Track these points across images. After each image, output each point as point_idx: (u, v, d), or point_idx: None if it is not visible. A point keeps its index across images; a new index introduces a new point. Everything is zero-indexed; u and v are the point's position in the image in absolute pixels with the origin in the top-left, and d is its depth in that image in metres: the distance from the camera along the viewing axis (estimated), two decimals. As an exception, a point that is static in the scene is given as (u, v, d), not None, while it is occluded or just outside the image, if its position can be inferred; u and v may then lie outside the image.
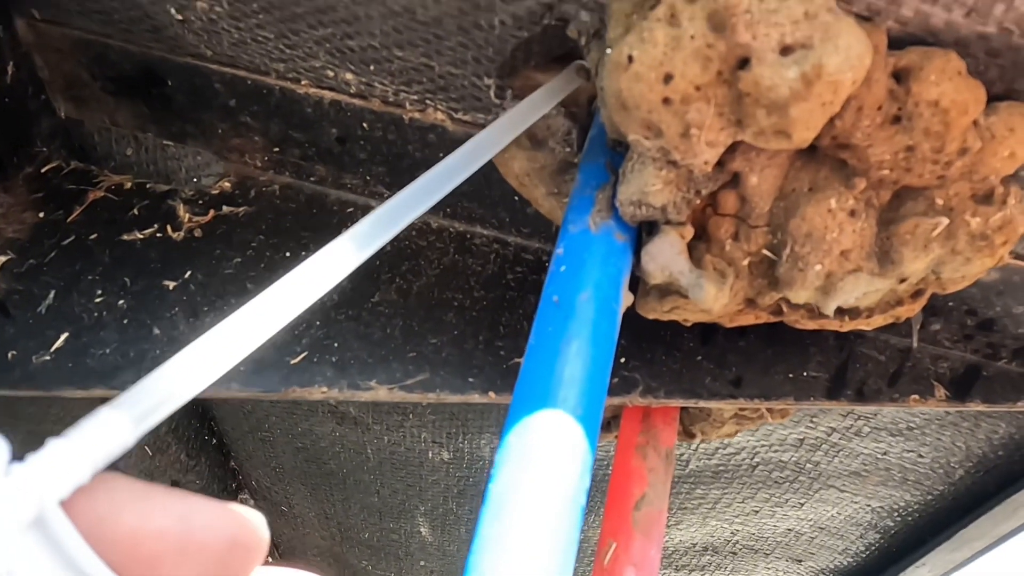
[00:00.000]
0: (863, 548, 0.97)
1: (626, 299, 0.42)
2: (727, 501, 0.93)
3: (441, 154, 0.57)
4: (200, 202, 0.62)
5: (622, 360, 0.56)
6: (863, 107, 0.38)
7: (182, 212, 0.61)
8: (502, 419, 0.78)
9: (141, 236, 0.59)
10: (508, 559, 0.31)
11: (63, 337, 0.53)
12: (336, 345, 0.55)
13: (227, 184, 0.63)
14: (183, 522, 0.20)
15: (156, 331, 0.54)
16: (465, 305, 0.58)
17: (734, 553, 1.06)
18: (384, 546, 1.29)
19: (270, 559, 1.54)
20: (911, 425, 0.74)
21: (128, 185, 0.63)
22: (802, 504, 0.91)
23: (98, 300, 0.55)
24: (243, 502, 1.38)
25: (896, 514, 0.89)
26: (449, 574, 1.29)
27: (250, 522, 0.22)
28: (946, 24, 0.37)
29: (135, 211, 0.61)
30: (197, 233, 0.60)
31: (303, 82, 0.55)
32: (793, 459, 0.83)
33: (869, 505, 0.88)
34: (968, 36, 0.38)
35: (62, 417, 0.82)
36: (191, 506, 0.20)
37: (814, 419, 0.76)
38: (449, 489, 1.04)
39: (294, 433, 1.02)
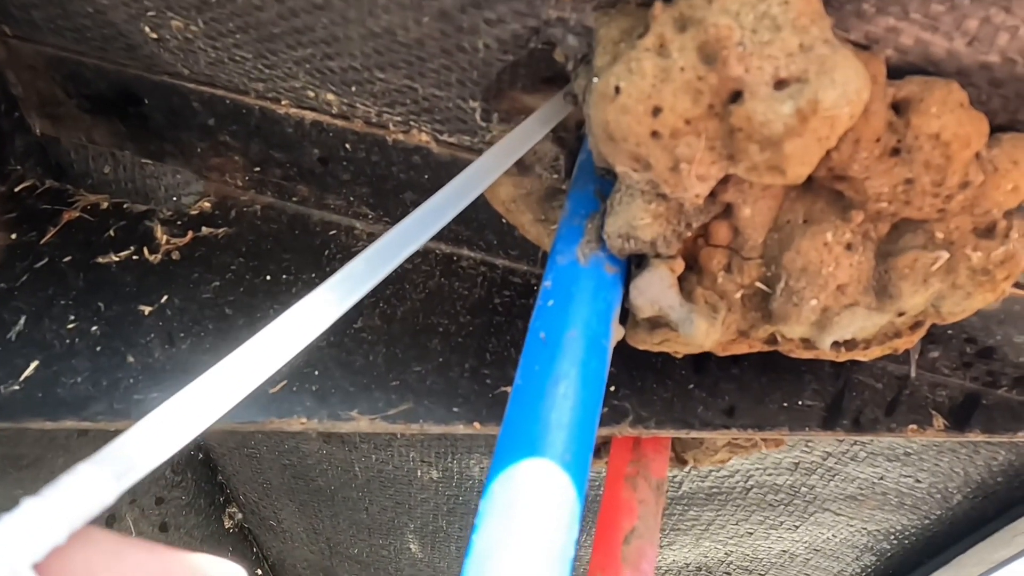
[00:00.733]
0: (859, 571, 0.96)
1: (616, 334, 0.40)
2: (721, 523, 0.92)
3: (426, 175, 0.55)
4: (178, 223, 0.60)
5: (612, 388, 0.55)
6: (861, 139, 0.36)
7: (159, 234, 0.59)
8: (491, 441, 0.76)
9: (117, 259, 0.57)
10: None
11: (33, 365, 0.51)
12: (317, 373, 0.53)
13: (207, 204, 0.61)
14: None
15: (130, 359, 0.53)
16: (451, 331, 0.56)
17: (728, 574, 1.04)
18: (374, 562, 1.27)
19: (258, 571, 1.52)
20: (908, 451, 0.72)
21: (104, 205, 0.61)
22: (797, 527, 0.89)
23: (71, 326, 0.53)
24: (232, 516, 1.36)
25: (892, 537, 0.87)
26: (440, 590, 1.28)
27: (230, 574, 0.21)
28: (947, 53, 0.36)
29: (111, 232, 0.59)
30: (175, 256, 0.58)
31: (283, 102, 0.53)
32: (788, 482, 0.81)
33: (865, 528, 0.87)
34: (970, 66, 0.36)
35: (39, 439, 0.80)
36: (166, 564, 0.20)
37: (809, 443, 0.75)
38: (439, 507, 1.03)
39: (281, 450, 1.01)
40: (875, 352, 0.48)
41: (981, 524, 0.77)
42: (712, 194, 0.39)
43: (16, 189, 0.60)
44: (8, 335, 0.53)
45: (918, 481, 0.76)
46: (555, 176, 0.47)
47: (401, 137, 0.53)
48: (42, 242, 0.58)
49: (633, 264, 0.42)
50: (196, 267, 0.58)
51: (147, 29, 0.50)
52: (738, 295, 0.43)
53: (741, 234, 0.41)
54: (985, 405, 0.57)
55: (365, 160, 0.55)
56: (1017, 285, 0.50)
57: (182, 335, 0.54)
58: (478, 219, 0.58)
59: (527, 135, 0.41)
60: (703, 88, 0.33)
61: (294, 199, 0.61)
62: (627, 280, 0.42)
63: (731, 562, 1.01)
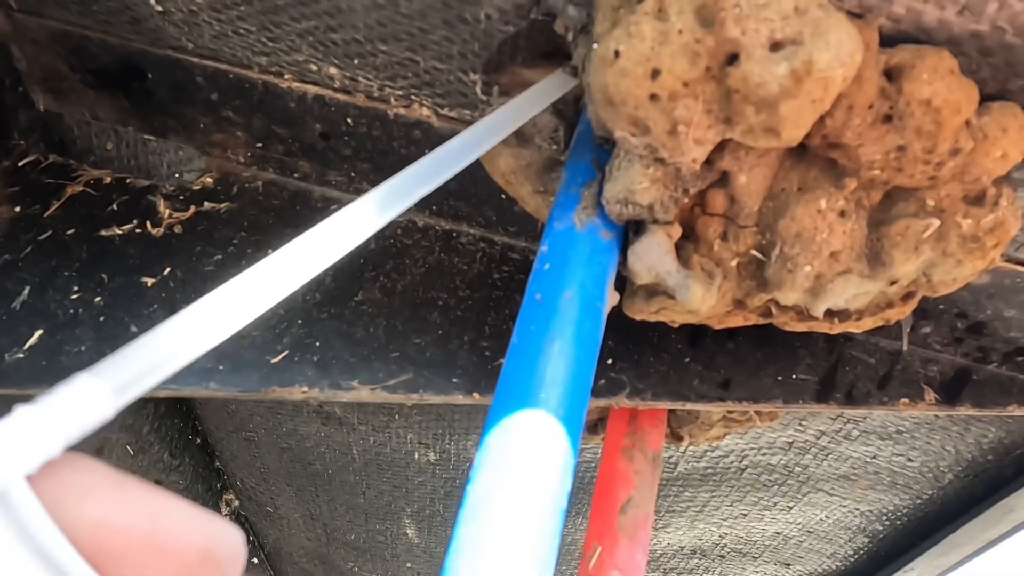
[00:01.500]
0: (851, 552, 0.97)
1: (611, 298, 0.41)
2: (715, 504, 0.92)
3: (426, 150, 0.56)
4: (181, 198, 0.61)
5: (609, 361, 0.56)
6: (854, 105, 0.37)
7: (162, 208, 0.59)
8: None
9: (120, 232, 0.58)
10: (485, 562, 0.30)
11: (37, 334, 0.52)
12: (318, 344, 0.54)
13: (209, 180, 0.62)
14: (153, 522, 0.18)
15: (133, 328, 0.53)
16: (450, 304, 0.57)
17: (722, 556, 1.05)
18: (370, 548, 1.27)
19: (254, 559, 1.52)
20: (900, 429, 0.73)
21: (107, 180, 0.61)
22: (791, 508, 0.90)
23: (74, 297, 0.54)
24: (228, 503, 1.37)
25: (885, 518, 0.88)
26: (436, 576, 1.28)
27: (227, 536, 0.20)
28: (939, 22, 0.37)
29: (114, 206, 0.59)
30: (177, 229, 0.59)
31: (286, 76, 0.54)
32: (782, 462, 0.82)
33: (858, 509, 0.88)
34: (961, 34, 0.37)
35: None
36: (165, 507, 0.19)
37: (803, 422, 0.76)
38: (436, 491, 1.03)
39: (279, 433, 1.01)
40: (868, 323, 0.49)
41: (972, 504, 0.78)
42: (709, 161, 0.40)
43: (20, 163, 0.61)
44: (12, 305, 0.53)
45: (910, 460, 0.76)
46: (554, 147, 0.48)
47: (402, 111, 0.54)
48: (46, 215, 0.58)
49: (631, 231, 0.43)
50: (198, 241, 0.58)
51: (152, 1, 0.50)
52: (734, 263, 0.44)
53: (737, 202, 0.42)
54: (976, 380, 0.58)
55: (366, 135, 0.56)
56: (1007, 259, 0.50)
57: (184, 306, 0.54)
58: (477, 195, 0.58)
59: (529, 106, 0.42)
60: (700, 51, 0.34)
61: (296, 175, 0.62)
62: (624, 248, 0.43)
63: (726, 544, 1.01)
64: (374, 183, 0.60)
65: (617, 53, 0.35)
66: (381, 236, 0.60)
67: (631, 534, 0.53)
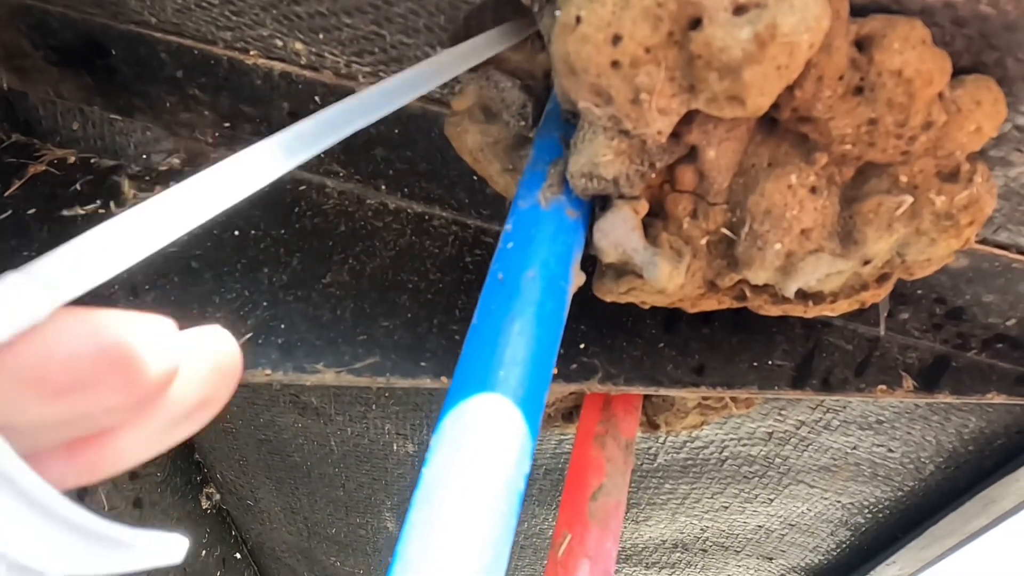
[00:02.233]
0: (833, 545, 0.96)
1: (577, 279, 0.40)
2: (696, 496, 0.91)
3: (396, 130, 0.55)
4: (147, 178, 0.59)
5: (582, 346, 0.55)
6: (823, 76, 0.36)
7: (127, 188, 0.58)
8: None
9: (82, 212, 0.57)
10: (437, 545, 0.29)
11: (-7, 315, 0.51)
12: (283, 327, 0.53)
13: (176, 161, 0.60)
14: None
15: (93, 310, 0.52)
16: (420, 288, 0.56)
17: (704, 550, 1.04)
18: (352, 542, 1.26)
19: (237, 555, 1.51)
20: (881, 419, 0.72)
21: (72, 160, 0.60)
22: (772, 500, 0.89)
23: (33, 277, 0.53)
24: (209, 496, 1.35)
25: (867, 511, 0.88)
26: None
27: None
28: (911, -10, 0.36)
29: (77, 186, 0.58)
30: (142, 210, 0.57)
31: (251, 52, 0.53)
32: (762, 453, 0.81)
33: (839, 501, 0.87)
34: (934, 4, 0.36)
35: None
36: (96, 327, 0.19)
37: (782, 412, 0.75)
38: (415, 483, 1.02)
39: (256, 424, 1.00)
40: (843, 306, 0.48)
41: (954, 496, 0.77)
42: (676, 135, 0.39)
43: (-19, 142, 0.59)
44: (-32, 285, 0.52)
45: (890, 451, 0.76)
46: (522, 123, 0.47)
47: (370, 89, 0.52)
48: (6, 194, 0.57)
49: (597, 207, 0.42)
50: (163, 222, 0.57)
51: (111, -28, 0.49)
52: (703, 241, 0.43)
53: (706, 178, 0.41)
54: (955, 367, 0.57)
55: (335, 114, 0.55)
56: (984, 241, 0.50)
57: (147, 287, 0.53)
58: (449, 176, 0.57)
59: (482, 48, 0.40)
60: (662, 15, 0.32)
61: (264, 156, 0.60)
62: (591, 229, 0.42)
63: (707, 538, 1.01)
64: (344, 164, 0.59)
65: (578, 19, 0.34)
66: (351, 218, 0.59)
67: (602, 522, 0.52)
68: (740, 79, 0.32)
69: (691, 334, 0.56)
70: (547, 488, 0.98)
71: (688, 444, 0.82)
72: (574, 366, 0.54)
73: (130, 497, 1.09)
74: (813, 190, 0.40)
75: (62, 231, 0.55)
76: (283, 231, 0.57)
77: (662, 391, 0.54)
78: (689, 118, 0.38)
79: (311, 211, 0.59)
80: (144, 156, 0.62)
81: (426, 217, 0.60)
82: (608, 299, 0.48)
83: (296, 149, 0.28)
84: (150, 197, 0.57)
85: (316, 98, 0.54)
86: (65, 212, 0.56)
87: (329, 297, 0.55)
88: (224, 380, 0.22)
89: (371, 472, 1.02)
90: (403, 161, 0.56)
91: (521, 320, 0.35)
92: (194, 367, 0.22)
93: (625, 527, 1.01)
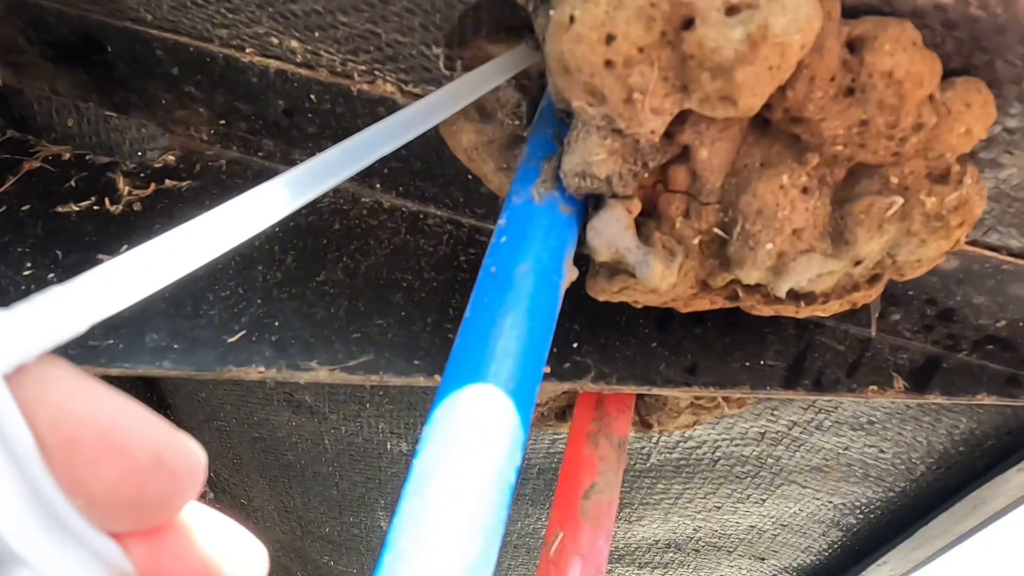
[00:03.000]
0: (825, 546, 0.97)
1: (570, 274, 0.40)
2: (689, 496, 0.92)
3: (391, 129, 0.55)
4: (142, 175, 0.59)
5: (575, 345, 0.55)
6: (815, 77, 0.36)
7: (122, 185, 0.58)
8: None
9: (77, 208, 0.57)
10: (427, 535, 0.29)
11: (-13, 310, 0.51)
12: (277, 324, 0.53)
13: (171, 158, 0.61)
14: (111, 419, 0.18)
15: (87, 306, 0.52)
16: (414, 286, 0.56)
17: (697, 550, 1.04)
18: (345, 541, 1.26)
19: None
20: (872, 419, 0.73)
21: (66, 156, 0.60)
22: (764, 500, 0.90)
23: (27, 273, 0.53)
24: (203, 495, 1.35)
25: (858, 511, 0.88)
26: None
27: (184, 448, 0.20)
28: (902, -8, 0.36)
29: (72, 183, 0.58)
30: (136, 207, 0.57)
31: (247, 50, 0.53)
32: (755, 453, 0.81)
33: (831, 502, 0.87)
34: (924, 6, 0.36)
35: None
36: (128, 410, 0.19)
37: (775, 412, 0.75)
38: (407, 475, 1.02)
39: (250, 423, 1.00)
40: (834, 306, 0.48)
41: (945, 496, 0.77)
42: (669, 135, 0.39)
43: (-25, 139, 0.59)
44: (-38, 280, 0.52)
45: (882, 451, 0.76)
46: (517, 123, 0.47)
47: (366, 87, 0.53)
48: (0, 191, 0.57)
49: (591, 206, 0.42)
50: (158, 218, 0.57)
51: (107, -31, 0.49)
52: (696, 240, 0.43)
53: (699, 178, 0.41)
54: (945, 368, 0.57)
55: (330, 112, 0.55)
56: (974, 243, 0.50)
57: (141, 284, 0.53)
58: (444, 175, 0.57)
59: (490, 76, 0.41)
60: (655, 15, 0.33)
61: (260, 154, 0.60)
62: (584, 225, 0.42)
63: (700, 538, 1.01)
64: (339, 162, 0.59)
65: (572, 18, 0.34)
66: (346, 217, 0.59)
67: (594, 520, 0.53)
68: (732, 79, 0.33)
69: (684, 334, 0.56)
70: (540, 488, 0.98)
71: (681, 444, 0.82)
72: (567, 365, 0.54)
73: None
74: (805, 190, 0.40)
75: (57, 228, 0.55)
76: (277, 229, 0.57)
77: (655, 390, 0.54)
78: (682, 118, 0.39)
79: (305, 209, 0.59)
80: (139, 153, 0.63)
81: (421, 216, 0.60)
82: (601, 298, 0.48)
83: (311, 183, 0.29)
84: (144, 194, 0.56)
85: (311, 96, 0.55)
86: (60, 209, 0.56)
87: (323, 295, 0.55)
88: None
89: (365, 471, 1.02)
90: (398, 159, 0.57)
91: (514, 313, 0.36)
92: None
93: (618, 527, 1.02)
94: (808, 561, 1.02)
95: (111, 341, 0.50)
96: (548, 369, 0.54)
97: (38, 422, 0.17)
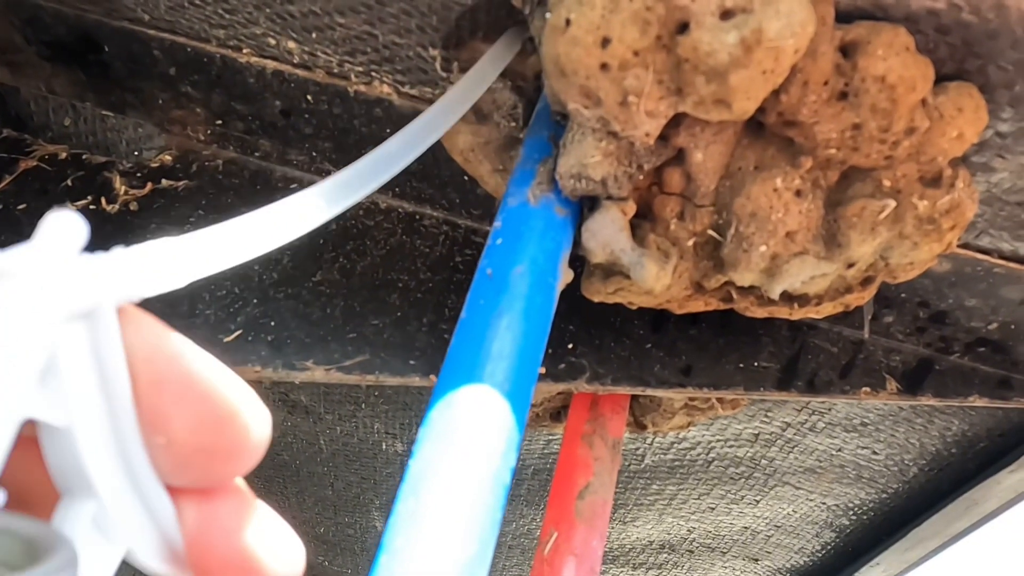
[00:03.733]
0: (819, 547, 0.97)
1: (565, 276, 0.41)
2: (683, 497, 0.92)
3: (388, 130, 0.55)
4: (138, 175, 0.59)
5: (570, 346, 0.55)
6: (809, 81, 0.36)
7: (118, 184, 0.58)
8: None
9: (73, 208, 0.57)
10: (423, 535, 0.29)
11: (-17, 309, 0.51)
12: (273, 324, 0.53)
13: (168, 157, 0.61)
14: (196, 362, 0.19)
15: (83, 305, 0.52)
16: (410, 287, 0.56)
17: (691, 551, 1.05)
18: (340, 541, 1.26)
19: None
20: (865, 421, 0.73)
21: (63, 155, 0.60)
22: (758, 501, 0.90)
23: (23, 272, 0.53)
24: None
25: (851, 512, 0.88)
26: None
27: (259, 406, 0.20)
28: (895, -2, 0.36)
29: (68, 182, 0.58)
30: (133, 207, 0.57)
31: (245, 50, 0.53)
32: (748, 454, 0.82)
33: (824, 503, 0.88)
34: (918, 11, 0.37)
35: None
36: (208, 359, 0.19)
37: (769, 413, 0.75)
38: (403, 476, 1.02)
39: (246, 422, 1.00)
40: (827, 308, 0.48)
41: (937, 498, 0.78)
42: (664, 138, 0.40)
43: (-28, 137, 0.60)
44: (-42, 279, 0.52)
45: (875, 453, 0.76)
46: (513, 124, 0.47)
47: (363, 89, 0.53)
48: (-3, 189, 0.57)
49: (586, 208, 0.42)
50: (154, 218, 0.57)
51: (105, -31, 0.49)
52: (690, 242, 0.43)
53: (694, 180, 0.42)
54: (938, 370, 0.58)
55: (327, 113, 0.55)
56: (966, 246, 0.50)
57: (137, 283, 0.53)
58: (440, 176, 0.57)
59: (485, 73, 0.41)
60: (651, 19, 0.33)
61: (256, 154, 0.60)
62: (579, 226, 0.43)
63: (694, 539, 1.01)
64: (336, 163, 0.59)
65: (568, 22, 0.34)
66: (342, 217, 0.59)
67: (588, 520, 0.53)
68: (726, 83, 0.33)
69: (678, 335, 0.57)
70: (535, 488, 0.98)
71: (675, 445, 0.83)
72: (562, 366, 0.54)
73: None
74: (798, 193, 0.41)
75: (53, 226, 0.55)
76: (274, 229, 0.57)
77: (649, 391, 0.54)
78: (677, 121, 0.39)
79: (302, 209, 0.59)
80: (136, 153, 0.63)
81: (417, 216, 0.60)
82: (596, 299, 0.48)
83: (336, 198, 0.29)
84: (141, 193, 0.57)
85: (308, 97, 0.55)
86: (56, 208, 0.56)
87: (319, 295, 0.55)
88: None
89: (360, 471, 1.02)
90: (394, 160, 0.57)
91: (509, 315, 0.36)
92: None
93: (612, 528, 1.02)
94: (802, 562, 1.02)
95: (107, 340, 0.50)
96: (543, 370, 0.54)
97: (133, 356, 0.18)
